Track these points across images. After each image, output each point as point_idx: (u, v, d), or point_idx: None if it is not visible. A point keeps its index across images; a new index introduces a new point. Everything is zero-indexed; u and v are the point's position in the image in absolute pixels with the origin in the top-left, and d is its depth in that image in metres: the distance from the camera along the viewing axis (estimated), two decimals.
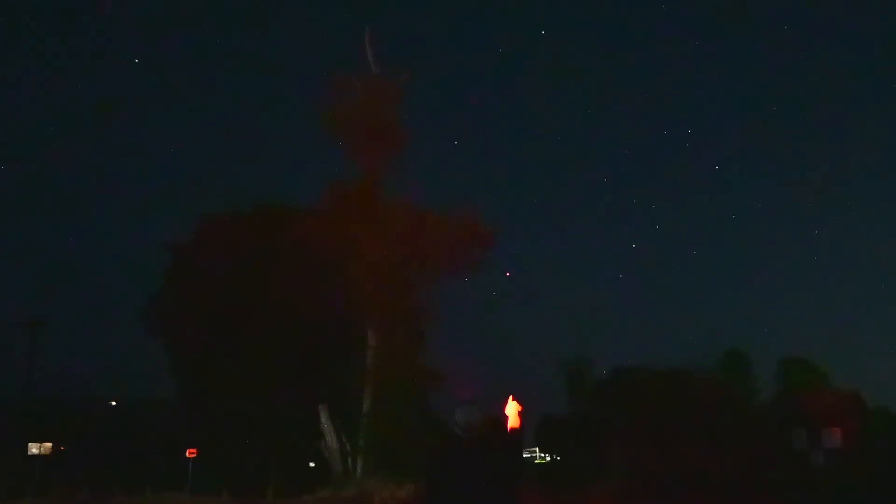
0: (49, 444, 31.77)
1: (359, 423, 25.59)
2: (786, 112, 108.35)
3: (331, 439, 25.93)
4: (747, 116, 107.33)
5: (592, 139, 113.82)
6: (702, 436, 26.61)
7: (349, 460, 25.68)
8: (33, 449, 30.65)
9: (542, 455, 58.65)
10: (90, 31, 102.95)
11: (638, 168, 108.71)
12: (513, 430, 3.78)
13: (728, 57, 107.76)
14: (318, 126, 29.62)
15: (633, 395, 30.54)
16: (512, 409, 3.79)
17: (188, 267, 31.49)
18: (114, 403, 49.99)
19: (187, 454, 28.44)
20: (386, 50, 30.25)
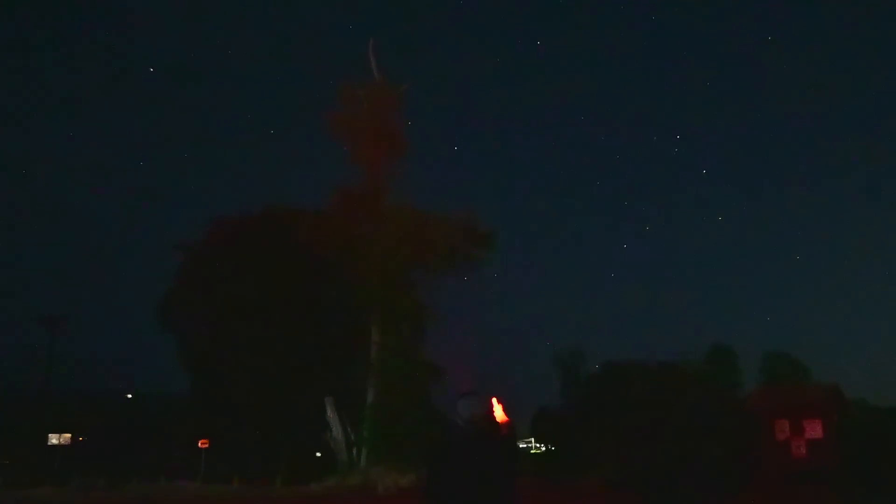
0: (68, 435, 31.84)
1: (363, 415, 25.60)
2: (768, 121, 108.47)
3: (336, 430, 25.94)
4: (732, 124, 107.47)
5: (586, 145, 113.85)
6: (689, 427, 26.59)
7: (354, 450, 25.68)
8: (53, 439, 30.72)
9: (538, 445, 58.66)
10: (111, 42, 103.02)
11: (629, 172, 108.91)
12: (503, 423, 3.77)
13: (715, 67, 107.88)
14: (324, 132, 29.57)
15: (624, 388, 30.49)
16: (498, 409, 3.79)
17: (200, 266, 31.46)
18: (130, 396, 50.03)
19: (200, 444, 28.47)
20: (389, 59, 30.32)
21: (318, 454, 30.50)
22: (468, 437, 3.52)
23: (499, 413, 3.79)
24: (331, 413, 26.05)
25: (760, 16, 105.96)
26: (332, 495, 22.04)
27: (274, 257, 29.24)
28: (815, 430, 25.95)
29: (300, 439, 29.70)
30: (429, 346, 28.55)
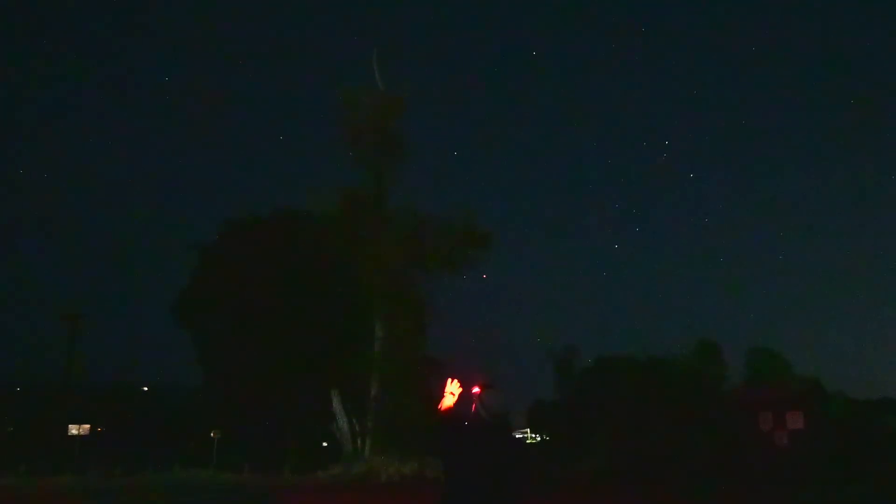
0: (87, 426, 31.76)
1: (367, 407, 25.53)
2: (754, 127, 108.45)
3: (342, 422, 25.87)
4: (720, 130, 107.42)
5: (580, 149, 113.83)
6: (677, 418, 26.54)
7: (358, 441, 25.62)
8: (73, 430, 30.62)
9: (534, 436, 58.59)
10: (129, 54, 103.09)
11: (621, 175, 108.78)
12: (445, 409, 3.58)
13: (703, 76, 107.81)
14: (330, 137, 29.56)
15: (616, 381, 30.47)
16: (453, 388, 3.60)
17: (213, 265, 31.44)
18: (146, 389, 50.03)
19: (212, 435, 28.39)
20: (391, 64, 30.20)
21: (325, 444, 30.47)
22: (492, 428, 3.37)
23: (448, 397, 3.60)
24: (336, 405, 25.98)
25: (747, 24, 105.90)
26: (338, 483, 21.98)
27: (283, 257, 29.21)
28: (796, 421, 25.97)
29: (307, 430, 29.67)
30: (429, 341, 28.55)
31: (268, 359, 28.85)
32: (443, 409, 3.50)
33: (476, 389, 3.45)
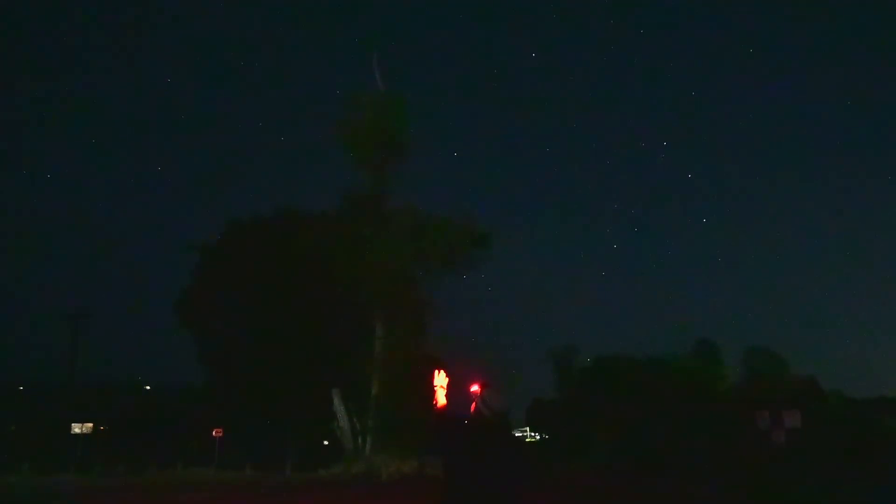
0: (90, 425, 31.83)
1: (368, 406, 25.56)
2: (750, 130, 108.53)
3: (343, 420, 25.91)
4: (716, 133, 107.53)
5: (579, 151, 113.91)
6: (675, 417, 26.59)
7: (359, 439, 25.65)
8: (76, 429, 30.69)
9: (533, 434, 58.71)
10: (131, 55, 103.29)
11: (619, 177, 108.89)
12: (442, 407, 3.59)
13: (701, 80, 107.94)
14: (331, 139, 29.51)
15: (615, 380, 30.54)
16: (441, 380, 3.60)
17: (215, 265, 31.47)
18: (148, 388, 50.04)
19: (214, 433, 28.43)
20: (393, 67, 30.27)
21: (326, 442, 30.47)
22: (492, 426, 3.38)
23: (440, 393, 3.62)
24: (337, 404, 26.02)
25: (748, 24, 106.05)
26: (339, 481, 22.01)
27: (284, 257, 29.22)
28: (793, 420, 26.02)
29: (308, 428, 29.67)
30: (429, 340, 28.59)
31: (269, 358, 28.87)
32: (439, 407, 3.52)
33: (475, 388, 3.47)
